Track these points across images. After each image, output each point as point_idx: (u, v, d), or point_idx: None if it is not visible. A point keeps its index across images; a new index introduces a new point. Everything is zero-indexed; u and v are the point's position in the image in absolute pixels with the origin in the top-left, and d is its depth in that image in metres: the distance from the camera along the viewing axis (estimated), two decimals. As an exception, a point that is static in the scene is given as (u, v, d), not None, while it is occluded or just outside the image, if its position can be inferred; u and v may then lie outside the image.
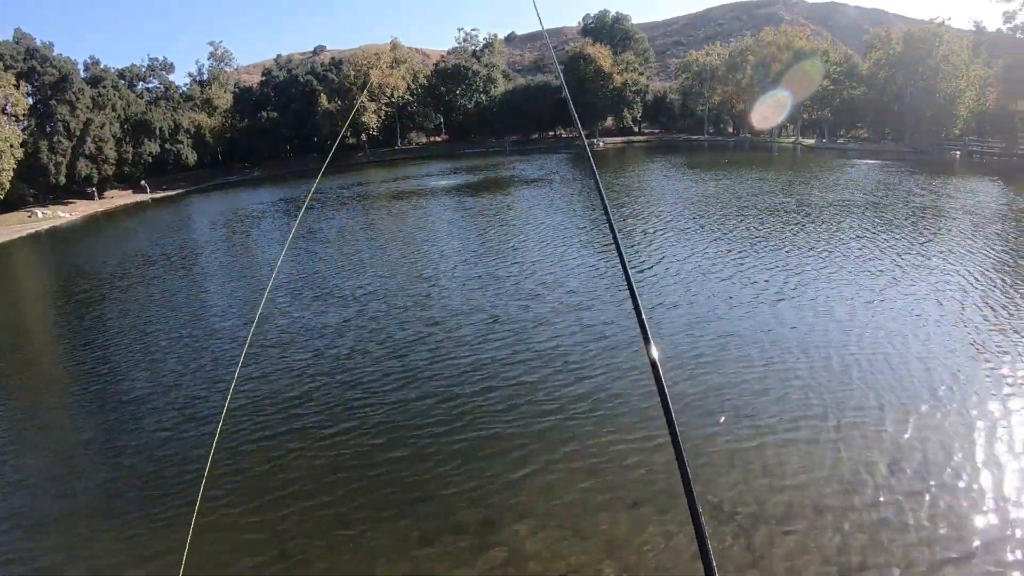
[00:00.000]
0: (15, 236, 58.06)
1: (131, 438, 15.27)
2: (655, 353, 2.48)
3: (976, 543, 10.06)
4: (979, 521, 10.61)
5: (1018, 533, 10.22)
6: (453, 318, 21.50)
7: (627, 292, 2.08)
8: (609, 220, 2.94)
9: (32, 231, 60.87)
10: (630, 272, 2.68)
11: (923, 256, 25.87)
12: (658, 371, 2.49)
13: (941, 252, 26.47)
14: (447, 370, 17.38)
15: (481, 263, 28.85)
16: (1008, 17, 65.87)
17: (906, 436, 13.08)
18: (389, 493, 12.06)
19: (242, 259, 37.13)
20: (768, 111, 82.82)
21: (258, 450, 14.01)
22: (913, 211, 35.65)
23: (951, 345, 17.36)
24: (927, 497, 11.19)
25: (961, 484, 11.55)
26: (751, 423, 13.80)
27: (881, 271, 23.98)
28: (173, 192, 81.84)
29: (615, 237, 2.88)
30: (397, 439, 14.01)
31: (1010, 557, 9.76)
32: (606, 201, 3.22)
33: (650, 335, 2.47)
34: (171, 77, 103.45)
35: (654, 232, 32.48)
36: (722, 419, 13.97)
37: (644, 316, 2.56)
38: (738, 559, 9.88)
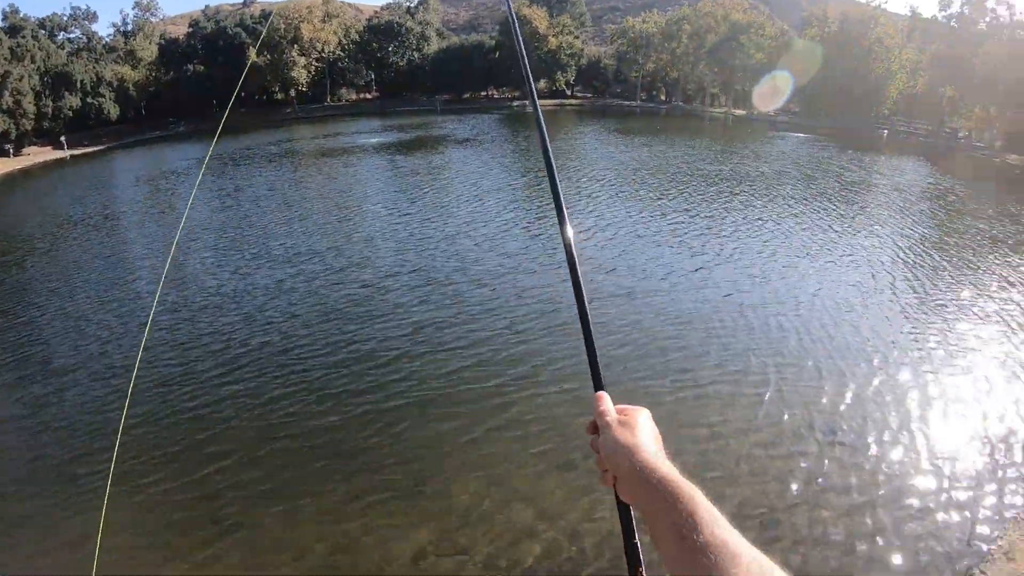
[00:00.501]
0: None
1: (52, 410, 14.98)
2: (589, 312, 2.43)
3: (904, 499, 11.06)
4: (897, 473, 11.71)
5: (953, 492, 11.20)
6: (386, 279, 21.72)
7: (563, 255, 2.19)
8: (554, 183, 3.06)
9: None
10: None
11: (856, 229, 27.19)
12: (589, 329, 2.39)
13: (872, 225, 27.82)
14: (379, 333, 17.83)
15: (415, 223, 29.13)
16: (943, 5, 67.91)
17: (842, 396, 14.29)
18: (320, 457, 12.25)
19: (167, 218, 36.31)
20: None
21: (187, 418, 13.96)
22: (845, 185, 36.97)
23: (883, 313, 18.79)
24: (860, 455, 12.26)
25: (888, 440, 12.67)
26: (690, 384, 14.70)
27: (816, 241, 25.21)
28: (95, 148, 79.15)
29: (559, 203, 2.98)
30: (328, 403, 14.19)
31: (943, 517, 10.67)
32: (553, 165, 3.43)
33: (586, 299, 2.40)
34: (94, 27, 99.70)
35: (590, 197, 32.94)
36: (660, 380, 14.73)
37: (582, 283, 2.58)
38: None
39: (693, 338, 16.92)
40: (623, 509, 1.91)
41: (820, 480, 11.47)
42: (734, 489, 11.20)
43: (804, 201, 32.14)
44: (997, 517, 10.64)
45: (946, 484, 11.40)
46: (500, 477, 11.50)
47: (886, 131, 70.16)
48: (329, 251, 25.32)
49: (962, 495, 11.19)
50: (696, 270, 21.89)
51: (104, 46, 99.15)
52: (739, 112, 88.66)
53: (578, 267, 2.39)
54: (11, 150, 75.62)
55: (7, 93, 72.51)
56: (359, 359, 16.13)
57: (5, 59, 73.08)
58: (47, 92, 79.90)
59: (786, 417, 13.31)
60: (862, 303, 19.24)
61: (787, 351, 16.17)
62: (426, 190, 37.23)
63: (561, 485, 11.20)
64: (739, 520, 10.26)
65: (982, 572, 9.44)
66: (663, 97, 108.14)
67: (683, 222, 27.93)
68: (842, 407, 13.75)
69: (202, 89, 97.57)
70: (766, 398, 13.99)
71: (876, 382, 14.73)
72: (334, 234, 28.11)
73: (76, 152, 77.49)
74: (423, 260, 23.46)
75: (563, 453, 12.00)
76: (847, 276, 21.43)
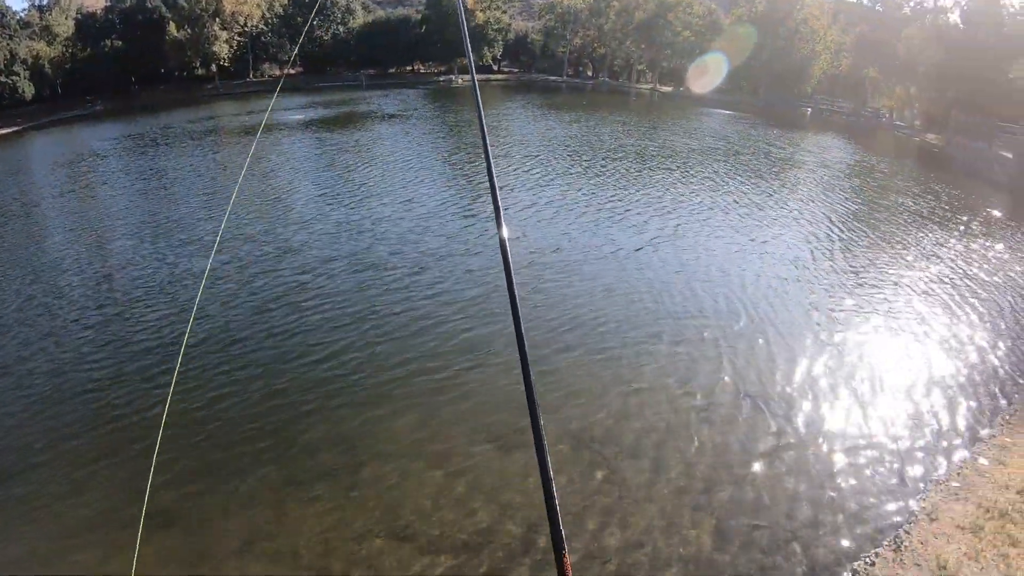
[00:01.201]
0: None
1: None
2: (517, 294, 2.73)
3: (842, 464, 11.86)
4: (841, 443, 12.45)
5: (878, 454, 12.12)
6: (324, 265, 21.66)
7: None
8: (488, 161, 3.19)
9: None
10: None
11: (788, 204, 28.02)
12: (517, 315, 2.75)
13: (803, 201, 28.74)
14: (312, 320, 17.91)
15: (348, 205, 28.94)
16: (869, -12, 70.80)
17: (777, 361, 15.39)
18: (254, 441, 12.50)
19: (87, 204, 35.46)
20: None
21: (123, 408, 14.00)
22: (774, 162, 38.35)
23: (822, 285, 20.19)
24: (790, 418, 13.20)
25: (816, 403, 13.75)
26: (645, 354, 15.17)
27: (752, 217, 26.20)
28: (9, 130, 76.33)
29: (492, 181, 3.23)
30: (262, 391, 14.41)
31: (870, 479, 11.41)
32: (487, 141, 3.53)
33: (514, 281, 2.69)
34: (7, 2, 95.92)
35: (521, 173, 33.10)
36: (607, 354, 15.45)
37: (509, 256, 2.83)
38: (592, 489, 11.06)
39: (636, 309, 17.78)
40: (548, 499, 2.30)
41: (749, 442, 12.35)
42: (680, 453, 12.09)
43: (736, 177, 33.30)
44: (921, 480, 11.37)
45: (871, 447, 12.27)
46: (437, 459, 11.87)
47: (810, 109, 72.49)
48: (261, 236, 25.11)
49: (886, 458, 11.93)
50: (638, 249, 22.69)
51: (18, 22, 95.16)
52: (665, 88, 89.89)
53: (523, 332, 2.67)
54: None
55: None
56: (299, 348, 16.20)
57: (-94, 37, 69.78)
58: (-44, 72, 76.70)
59: (726, 378, 14.51)
60: (798, 276, 20.39)
61: (731, 323, 17.42)
62: (357, 169, 37.26)
63: (500, 464, 11.66)
64: (679, 484, 11.20)
65: (907, 533, 9.97)
66: (589, 73, 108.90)
67: (619, 199, 28.64)
68: (776, 373, 14.86)
69: (121, 66, 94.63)
70: (709, 365, 15.13)
71: (811, 348, 16.00)
72: (265, 217, 27.84)
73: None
74: (360, 244, 23.61)
75: (497, 429, 12.50)
76: (783, 250, 22.60)
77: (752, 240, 23.73)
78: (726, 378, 14.50)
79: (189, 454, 12.18)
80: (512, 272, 2.68)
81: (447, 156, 40.88)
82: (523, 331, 2.62)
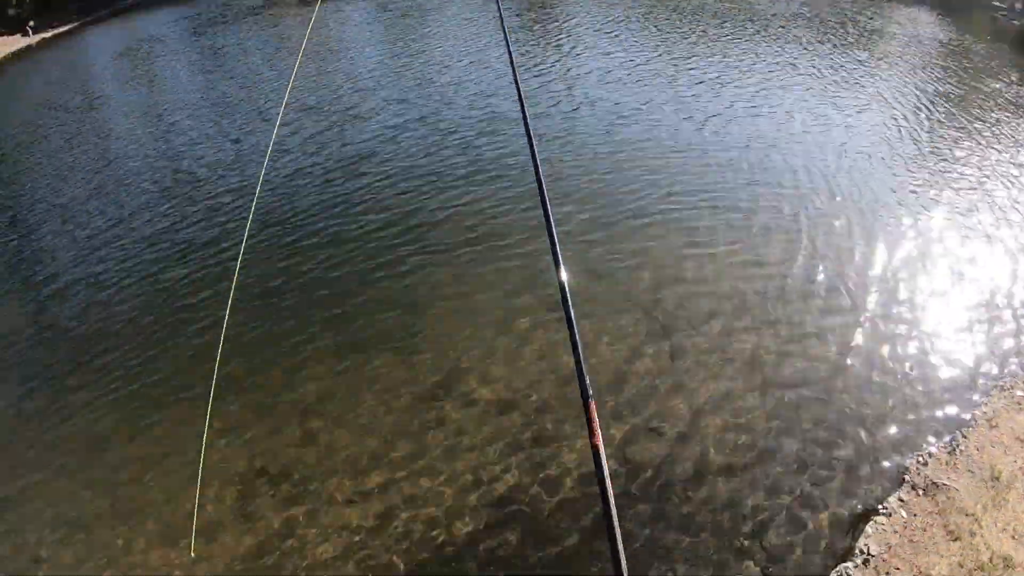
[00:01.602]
0: None
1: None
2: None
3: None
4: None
5: (942, 353, 11.35)
6: (386, 131, 21.13)
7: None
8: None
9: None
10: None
11: (875, 79, 25.44)
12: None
13: (891, 77, 25.86)
14: (378, 187, 17.59)
15: (411, 71, 27.24)
16: None
17: (865, 243, 14.21)
18: (319, 309, 13.00)
19: (149, 91, 34.91)
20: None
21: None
22: (862, 33, 33.44)
23: (908, 167, 17.91)
24: (859, 306, 12.39)
25: (887, 292, 12.79)
26: (705, 224, 14.49)
27: (835, 88, 23.72)
28: (65, 27, 75.94)
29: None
30: (327, 261, 14.54)
31: (931, 379, 10.82)
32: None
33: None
34: None
35: (591, 34, 30.69)
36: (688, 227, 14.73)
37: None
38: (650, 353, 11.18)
39: (712, 176, 16.65)
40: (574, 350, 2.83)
41: (822, 320, 11.86)
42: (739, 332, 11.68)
43: (822, 45, 29.92)
44: (986, 383, 10.64)
45: (941, 340, 11.58)
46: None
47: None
48: (324, 106, 24.28)
49: (955, 354, 11.28)
50: (715, 115, 20.79)
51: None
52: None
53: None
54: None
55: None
56: (362, 217, 15.73)
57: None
58: (6, -25, 76.06)
59: (802, 254, 13.66)
60: (883, 155, 18.47)
61: (811, 197, 16.03)
62: (418, 34, 35.36)
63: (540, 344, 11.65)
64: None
65: (964, 437, 9.60)
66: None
67: (695, 62, 26.22)
68: (855, 253, 13.84)
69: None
70: (786, 238, 14.25)
71: (892, 232, 14.65)
72: (328, 88, 26.79)
73: (46, 35, 74.41)
74: (426, 109, 22.75)
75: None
76: (868, 126, 20.37)
77: (837, 112, 21.30)
78: (802, 253, 13.54)
79: (255, 323, 12.78)
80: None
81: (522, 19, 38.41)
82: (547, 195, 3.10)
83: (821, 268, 13.10)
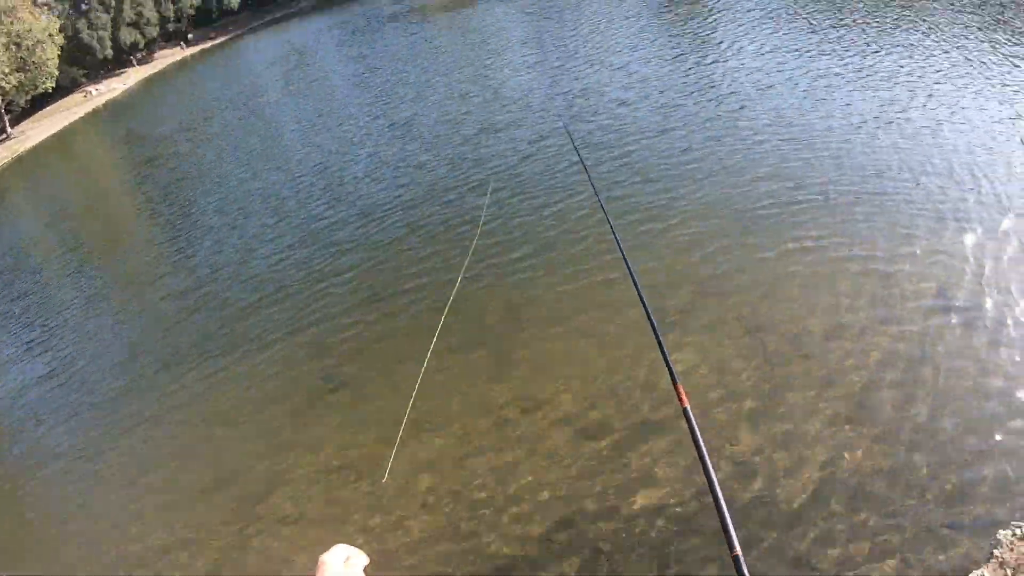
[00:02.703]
0: (75, 118, 56.36)
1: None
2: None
3: None
4: None
5: None
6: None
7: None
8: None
9: (91, 108, 59.10)
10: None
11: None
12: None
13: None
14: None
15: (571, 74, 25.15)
16: None
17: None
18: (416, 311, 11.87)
19: (310, 93, 34.43)
20: None
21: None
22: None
23: None
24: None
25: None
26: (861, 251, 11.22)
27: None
28: (223, 38, 78.88)
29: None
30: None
31: None
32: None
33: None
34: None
35: (735, 28, 27.58)
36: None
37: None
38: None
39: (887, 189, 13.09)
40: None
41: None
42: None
43: (999, 34, 24.82)
44: None
45: None
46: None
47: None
48: (463, 117, 22.40)
49: None
50: (889, 121, 16.68)
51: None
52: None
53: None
54: (144, 57, 76.49)
55: (127, 6, 72.67)
56: None
57: (117, -26, 72.78)
58: (165, -5, 79.61)
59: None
60: None
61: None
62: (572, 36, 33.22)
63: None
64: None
65: None
66: None
67: (854, 58, 22.04)
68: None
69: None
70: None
71: None
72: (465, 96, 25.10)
73: (205, 47, 77.61)
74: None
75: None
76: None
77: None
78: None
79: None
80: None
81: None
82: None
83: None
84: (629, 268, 4.20)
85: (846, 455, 7.33)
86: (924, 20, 25.04)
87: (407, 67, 32.63)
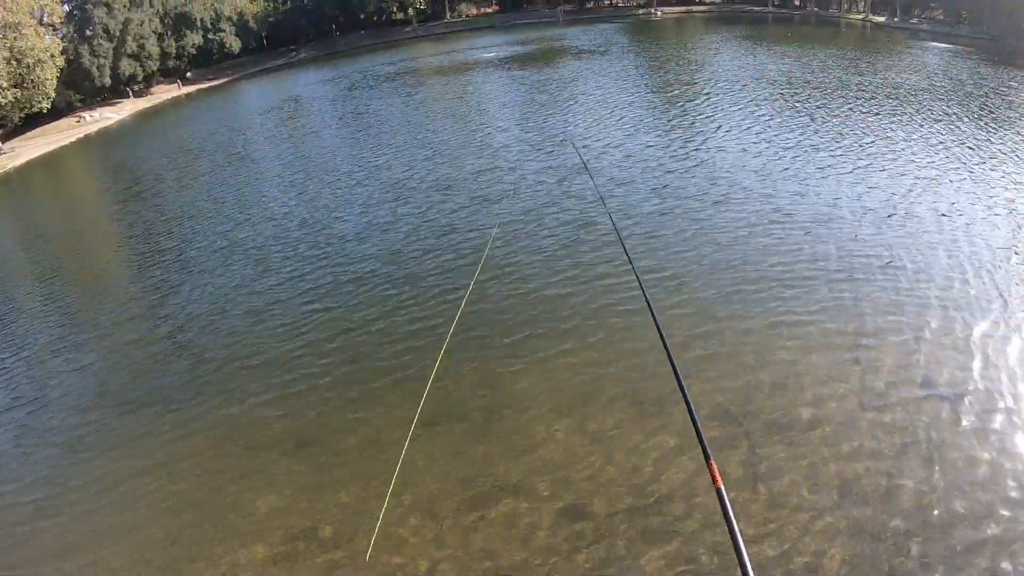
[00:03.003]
0: (66, 142, 56.66)
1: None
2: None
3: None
4: None
5: None
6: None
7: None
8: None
9: (82, 135, 59.40)
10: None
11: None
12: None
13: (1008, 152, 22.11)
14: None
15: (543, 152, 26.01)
16: None
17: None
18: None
19: (295, 143, 35.50)
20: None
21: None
22: (985, 105, 29.94)
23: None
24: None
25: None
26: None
27: (956, 173, 20.21)
28: (220, 80, 79.91)
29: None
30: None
31: None
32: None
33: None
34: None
35: (733, 113, 28.72)
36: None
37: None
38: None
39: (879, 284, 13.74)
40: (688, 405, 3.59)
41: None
42: None
43: (977, 124, 26.16)
44: None
45: None
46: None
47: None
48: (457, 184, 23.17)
49: None
50: (889, 215, 17.42)
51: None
52: (878, 18, 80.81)
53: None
54: (140, 90, 77.22)
55: (130, 39, 73.57)
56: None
57: (125, 7, 74.03)
58: (169, 33, 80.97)
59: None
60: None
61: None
62: (553, 107, 34.47)
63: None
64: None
65: None
66: (797, 2, 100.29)
67: (847, 146, 22.64)
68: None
69: (319, 14, 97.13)
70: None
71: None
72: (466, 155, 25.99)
73: (202, 86, 78.48)
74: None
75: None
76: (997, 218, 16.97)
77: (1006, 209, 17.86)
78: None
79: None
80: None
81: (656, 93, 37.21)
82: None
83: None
84: (664, 343, 4.34)
85: (832, 550, 7.51)
86: (918, 112, 26.58)
87: (399, 128, 33.59)
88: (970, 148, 22.02)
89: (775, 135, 24.14)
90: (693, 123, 26.53)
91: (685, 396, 3.65)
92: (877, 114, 26.96)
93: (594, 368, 11.30)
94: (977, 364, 10.38)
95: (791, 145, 22.79)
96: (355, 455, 10.23)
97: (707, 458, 3.17)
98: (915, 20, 77.11)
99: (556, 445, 9.71)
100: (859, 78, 35.97)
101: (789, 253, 14.56)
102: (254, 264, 18.61)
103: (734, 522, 2.73)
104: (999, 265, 13.55)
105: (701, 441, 3.31)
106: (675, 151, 22.96)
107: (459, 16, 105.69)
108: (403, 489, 9.03)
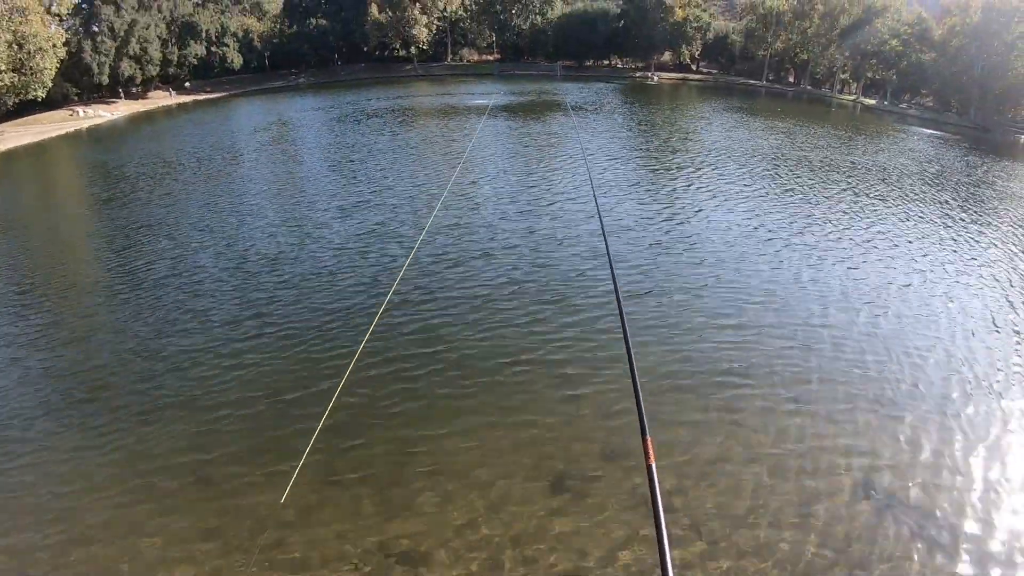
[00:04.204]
0: (55, 134, 56.93)
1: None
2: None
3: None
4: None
5: None
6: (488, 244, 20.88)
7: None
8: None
9: (72, 129, 59.68)
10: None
11: (991, 243, 23.26)
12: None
13: (997, 243, 23.62)
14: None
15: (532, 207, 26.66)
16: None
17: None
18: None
19: (281, 166, 36.42)
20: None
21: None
22: (973, 194, 31.76)
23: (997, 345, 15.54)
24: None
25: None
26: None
27: (947, 254, 21.64)
28: (218, 94, 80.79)
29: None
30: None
31: None
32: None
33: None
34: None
35: (722, 186, 29.70)
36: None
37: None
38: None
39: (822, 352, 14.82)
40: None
41: None
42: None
43: (959, 209, 27.75)
44: None
45: None
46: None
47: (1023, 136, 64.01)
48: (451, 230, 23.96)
49: None
50: (871, 302, 17.67)
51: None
52: (869, 101, 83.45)
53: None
54: (136, 92, 77.78)
55: (134, 41, 74.27)
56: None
57: (133, 8, 74.83)
58: (173, 40, 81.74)
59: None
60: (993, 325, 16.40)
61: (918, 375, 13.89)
62: (539, 154, 35.68)
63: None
64: None
65: None
66: (791, 79, 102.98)
67: (831, 228, 23.42)
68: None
69: (323, 42, 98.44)
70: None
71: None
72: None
73: (198, 97, 79.20)
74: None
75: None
76: (979, 296, 18.28)
77: (945, 279, 19.40)
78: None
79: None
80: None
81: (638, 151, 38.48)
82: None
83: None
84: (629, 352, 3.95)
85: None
86: (906, 198, 27.97)
87: (383, 165, 34.55)
88: (958, 235, 23.59)
89: (765, 215, 25.46)
90: (673, 200, 27.20)
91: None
92: (867, 195, 28.54)
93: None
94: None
95: (778, 227, 23.92)
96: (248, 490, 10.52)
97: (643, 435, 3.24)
98: (904, 105, 79.53)
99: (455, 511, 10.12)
100: (849, 158, 37.56)
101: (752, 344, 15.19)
102: (215, 287, 18.76)
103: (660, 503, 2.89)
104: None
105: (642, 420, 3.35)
106: (658, 225, 23.67)
107: (460, 60, 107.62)
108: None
